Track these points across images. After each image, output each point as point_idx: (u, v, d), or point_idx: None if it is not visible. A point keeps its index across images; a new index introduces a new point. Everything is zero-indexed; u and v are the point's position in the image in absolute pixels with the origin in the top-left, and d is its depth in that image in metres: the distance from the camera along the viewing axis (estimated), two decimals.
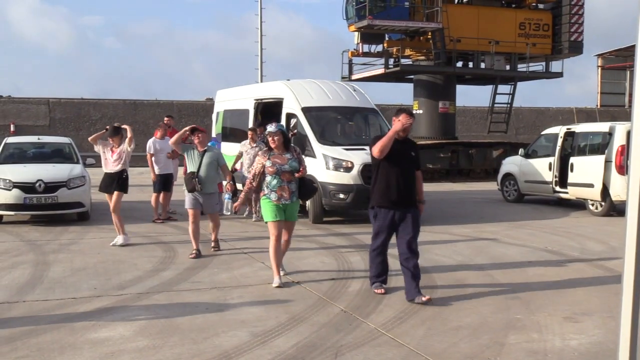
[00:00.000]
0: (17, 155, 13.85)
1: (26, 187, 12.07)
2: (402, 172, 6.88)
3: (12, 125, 29.82)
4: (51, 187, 12.13)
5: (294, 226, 8.06)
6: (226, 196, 9.18)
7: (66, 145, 14.61)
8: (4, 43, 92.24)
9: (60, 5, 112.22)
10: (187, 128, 9.54)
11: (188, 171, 9.20)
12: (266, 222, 7.63)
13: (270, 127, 7.63)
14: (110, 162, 10.29)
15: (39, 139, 15.49)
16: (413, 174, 6.98)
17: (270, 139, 7.57)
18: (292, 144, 7.92)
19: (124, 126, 10.63)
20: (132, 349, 5.38)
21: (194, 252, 9.21)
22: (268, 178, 7.53)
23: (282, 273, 7.84)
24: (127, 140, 10.24)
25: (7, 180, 12.12)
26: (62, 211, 12.33)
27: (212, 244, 9.71)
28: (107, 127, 10.73)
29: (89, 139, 10.52)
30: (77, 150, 14.50)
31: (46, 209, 12.19)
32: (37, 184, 12.01)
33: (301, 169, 7.65)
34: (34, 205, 12.09)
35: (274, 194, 7.49)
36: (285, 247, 8.00)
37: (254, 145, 12.66)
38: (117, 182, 10.27)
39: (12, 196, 12.04)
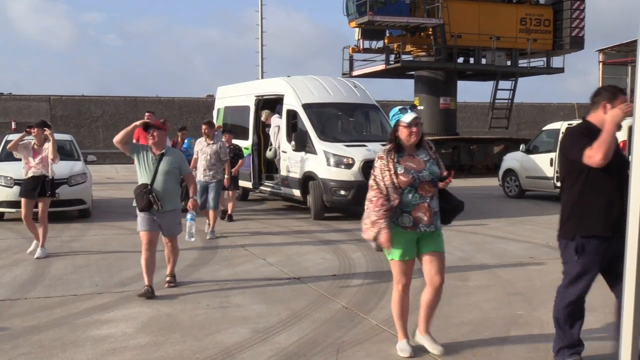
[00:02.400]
0: None
1: None
2: (620, 183, 4.36)
3: (13, 123, 29.81)
4: (55, 184, 12.09)
5: (444, 263, 5.32)
6: (188, 216, 7.22)
7: (67, 142, 14.60)
8: (5, 40, 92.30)
9: (60, 2, 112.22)
10: (137, 123, 7.11)
11: (139, 182, 6.97)
12: (390, 259, 5.21)
13: (406, 116, 4.98)
14: (33, 163, 9.25)
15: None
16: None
17: (407, 132, 4.98)
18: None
19: (47, 132, 9.33)
20: (133, 345, 5.38)
21: (145, 288, 6.82)
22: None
23: (426, 341, 5.27)
24: (50, 149, 9.19)
25: (9, 178, 12.13)
26: (64, 208, 12.32)
27: (167, 278, 7.35)
28: (27, 129, 9.80)
29: (8, 147, 9.64)
30: (78, 148, 14.50)
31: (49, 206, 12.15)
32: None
33: (448, 177, 5.23)
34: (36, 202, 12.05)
35: (407, 217, 5.01)
36: (434, 299, 5.27)
37: (211, 142, 10.90)
38: (42, 186, 9.25)
39: (13, 193, 12.01)
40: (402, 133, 5.00)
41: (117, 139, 6.88)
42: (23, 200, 9.33)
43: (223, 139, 11.80)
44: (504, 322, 6.08)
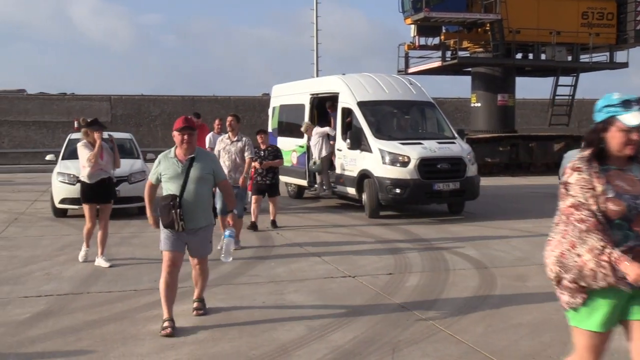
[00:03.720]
0: None
1: None
2: None
3: (75, 122, 30.67)
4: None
5: None
6: (227, 233, 6.05)
7: (127, 140, 14.92)
8: (67, 42, 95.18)
9: (120, 4, 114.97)
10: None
11: (165, 191, 5.82)
12: (577, 326, 3.61)
13: (631, 115, 3.30)
14: (102, 163, 8.52)
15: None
16: None
17: (623, 138, 3.32)
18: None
19: (110, 136, 8.84)
20: (191, 340, 5.46)
21: (166, 324, 5.64)
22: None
23: None
24: (116, 156, 8.76)
25: (71, 175, 12.47)
26: (124, 205, 12.59)
27: (195, 304, 6.29)
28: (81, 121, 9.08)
29: (92, 161, 8.43)
30: (137, 146, 14.81)
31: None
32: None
33: None
34: None
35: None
36: None
37: (235, 139, 9.61)
38: (108, 188, 8.66)
39: (76, 190, 12.30)
40: (616, 138, 3.33)
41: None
42: (88, 206, 8.52)
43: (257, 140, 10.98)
44: (565, 324, 5.85)
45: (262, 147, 11.23)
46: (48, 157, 14.68)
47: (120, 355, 5.12)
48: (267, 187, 11.27)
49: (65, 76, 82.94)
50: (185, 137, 5.69)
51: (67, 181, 12.46)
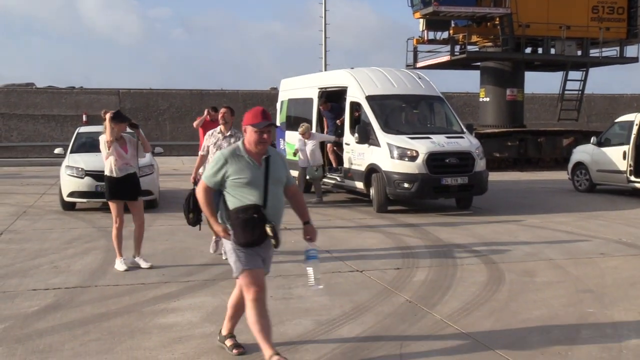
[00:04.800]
0: (89, 144, 14.20)
1: (98, 175, 12.35)
2: None
3: (84, 116, 30.75)
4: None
5: None
6: (312, 252, 4.99)
7: (135, 134, 14.94)
8: (76, 36, 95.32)
9: None
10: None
11: (235, 200, 4.63)
12: None
13: None
14: (127, 157, 8.02)
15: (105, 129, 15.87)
16: None
17: None
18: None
19: (133, 122, 8.33)
20: (199, 334, 5.47)
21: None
22: None
23: None
24: (143, 142, 8.33)
25: (80, 169, 12.51)
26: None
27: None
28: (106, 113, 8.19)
29: (108, 142, 7.88)
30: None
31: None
32: None
33: None
34: None
35: None
36: None
37: (228, 134, 8.54)
38: (135, 185, 8.13)
39: (84, 184, 12.42)
40: None
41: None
42: (116, 204, 7.98)
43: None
44: (573, 319, 5.89)
45: None
46: (57, 151, 14.72)
47: (127, 349, 5.13)
48: None
49: (74, 70, 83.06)
50: (265, 135, 4.60)
51: (75, 174, 12.49)
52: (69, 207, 12.81)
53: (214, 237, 8.41)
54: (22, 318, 5.91)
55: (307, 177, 14.13)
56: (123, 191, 7.94)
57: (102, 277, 7.47)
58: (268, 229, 4.54)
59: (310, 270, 4.93)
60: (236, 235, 4.59)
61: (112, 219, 9.14)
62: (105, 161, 7.92)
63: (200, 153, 8.54)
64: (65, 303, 6.40)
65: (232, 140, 8.42)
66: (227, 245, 4.74)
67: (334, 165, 14.79)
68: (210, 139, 8.49)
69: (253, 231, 4.56)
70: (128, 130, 8.27)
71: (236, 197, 4.60)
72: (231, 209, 4.62)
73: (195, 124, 13.28)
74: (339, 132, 14.61)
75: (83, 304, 6.39)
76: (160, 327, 5.65)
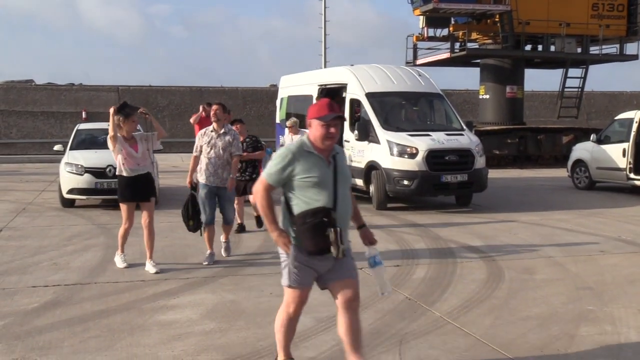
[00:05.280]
0: (89, 141, 14.24)
1: (97, 172, 12.42)
2: None
3: (83, 112, 30.73)
4: None
5: None
6: (377, 258, 4.52)
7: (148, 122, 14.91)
8: (75, 32, 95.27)
9: None
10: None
11: (310, 207, 4.10)
12: None
13: None
14: (138, 156, 7.63)
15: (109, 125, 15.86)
16: None
17: None
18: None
19: (141, 110, 7.89)
20: (199, 331, 5.47)
21: None
22: None
23: None
24: (157, 127, 7.86)
25: (79, 166, 12.51)
26: None
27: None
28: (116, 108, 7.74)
29: (110, 137, 7.60)
30: None
31: (116, 193, 12.45)
32: (108, 169, 12.32)
33: None
34: (105, 189, 12.43)
35: None
36: None
37: (222, 132, 8.13)
38: (147, 186, 7.75)
39: (83, 181, 12.42)
40: None
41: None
42: (127, 205, 7.66)
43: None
44: (573, 317, 5.89)
45: (240, 138, 9.42)
46: (56, 148, 14.71)
47: (127, 346, 5.13)
48: (247, 183, 9.83)
49: (74, 66, 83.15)
50: (332, 129, 4.13)
51: (75, 171, 12.49)
52: (68, 204, 12.81)
53: (208, 251, 8.08)
54: (21, 315, 5.91)
55: None
56: (134, 192, 7.60)
57: (101, 274, 7.47)
58: (331, 235, 4.04)
59: (378, 277, 4.45)
60: (304, 243, 4.08)
61: (111, 215, 9.16)
62: (116, 159, 7.66)
63: (194, 154, 8.15)
64: (65, 300, 6.40)
65: (227, 138, 8.04)
66: (281, 250, 4.28)
67: None
68: (203, 138, 8.08)
69: (322, 237, 4.04)
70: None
71: (303, 200, 4.09)
72: (296, 214, 4.09)
73: (192, 120, 13.31)
74: None
75: (82, 300, 6.39)
76: (159, 324, 5.65)
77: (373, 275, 4.48)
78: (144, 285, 6.95)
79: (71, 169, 12.55)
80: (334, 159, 4.22)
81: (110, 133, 7.53)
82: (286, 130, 13.71)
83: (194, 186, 8.11)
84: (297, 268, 4.17)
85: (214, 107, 8.23)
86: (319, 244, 4.05)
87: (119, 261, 7.74)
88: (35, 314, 5.95)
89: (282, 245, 4.16)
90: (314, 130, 4.15)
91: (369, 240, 4.52)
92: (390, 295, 4.94)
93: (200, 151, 8.08)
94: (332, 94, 15.05)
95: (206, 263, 7.99)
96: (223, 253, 8.36)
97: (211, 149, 8.00)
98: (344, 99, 14.15)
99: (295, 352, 4.97)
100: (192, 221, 8.03)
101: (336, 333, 5.40)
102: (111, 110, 7.61)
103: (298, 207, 4.11)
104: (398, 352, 5.00)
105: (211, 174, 7.98)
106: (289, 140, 13.54)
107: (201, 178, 8.04)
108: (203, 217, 8.04)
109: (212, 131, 8.10)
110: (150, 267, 7.57)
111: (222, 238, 8.42)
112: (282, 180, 4.14)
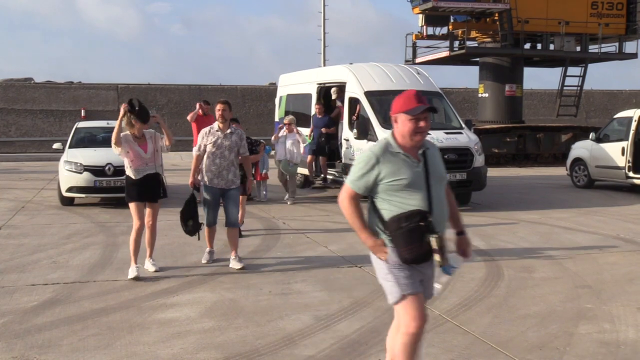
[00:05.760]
0: (88, 140, 14.24)
1: (96, 171, 12.42)
2: None
3: (82, 111, 30.73)
4: (120, 170, 12.36)
5: None
6: (452, 269, 3.85)
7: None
8: (74, 31, 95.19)
9: None
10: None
11: (404, 211, 3.72)
12: None
13: None
14: (147, 156, 7.38)
15: (108, 123, 15.82)
16: None
17: None
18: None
19: (154, 116, 7.63)
20: (198, 329, 5.47)
21: None
22: None
23: None
24: (166, 134, 7.55)
25: (78, 164, 12.50)
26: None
27: None
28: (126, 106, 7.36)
29: (114, 144, 7.29)
30: None
31: (116, 191, 12.47)
32: (107, 168, 12.32)
33: None
34: (104, 188, 12.43)
35: None
36: None
37: (228, 131, 7.85)
38: (156, 186, 7.51)
39: (83, 179, 12.41)
40: None
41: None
42: (135, 205, 7.37)
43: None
44: (572, 315, 5.90)
45: None
46: (55, 146, 14.71)
47: (126, 344, 5.13)
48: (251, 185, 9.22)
49: (73, 65, 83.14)
50: (422, 123, 3.75)
51: (74, 170, 12.48)
52: (67, 202, 12.81)
53: (207, 248, 7.97)
54: (20, 313, 5.91)
55: (282, 171, 13.53)
56: (142, 192, 7.35)
57: (100, 272, 7.47)
58: (433, 241, 3.65)
59: (439, 287, 4.00)
60: (399, 251, 3.70)
61: (110, 214, 9.16)
62: (124, 159, 7.40)
63: (196, 153, 7.83)
64: (64, 298, 6.40)
65: (234, 138, 7.72)
66: (379, 265, 3.86)
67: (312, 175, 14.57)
68: (208, 138, 7.71)
69: (421, 243, 3.66)
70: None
71: (393, 204, 3.73)
72: (388, 219, 3.74)
73: (189, 117, 13.32)
74: (322, 140, 14.16)
75: (82, 299, 6.39)
76: (159, 322, 5.65)
77: (436, 284, 3.98)
78: (143, 284, 6.95)
79: (70, 167, 12.55)
80: (424, 156, 3.81)
81: (113, 140, 7.22)
82: (284, 127, 13.69)
83: (197, 187, 7.92)
84: (403, 271, 3.74)
85: (220, 106, 7.77)
86: (416, 251, 3.67)
87: (131, 272, 7.15)
88: (35, 312, 5.95)
89: (380, 252, 3.77)
90: (401, 126, 3.76)
91: (464, 253, 3.98)
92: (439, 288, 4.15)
93: (204, 150, 7.73)
94: (328, 93, 15.11)
95: (205, 261, 7.91)
96: (236, 266, 7.64)
97: (216, 149, 7.64)
98: (334, 100, 14.26)
99: (294, 351, 4.99)
100: (192, 221, 7.83)
101: (335, 331, 5.42)
102: (122, 109, 7.30)
103: (389, 212, 3.74)
104: None
105: (215, 175, 7.66)
106: (282, 136, 13.42)
107: (205, 179, 7.74)
108: (204, 219, 7.83)
109: (217, 130, 7.72)
110: (149, 266, 7.51)
111: (232, 255, 7.77)
112: (368, 187, 3.79)
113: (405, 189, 3.70)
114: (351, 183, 3.83)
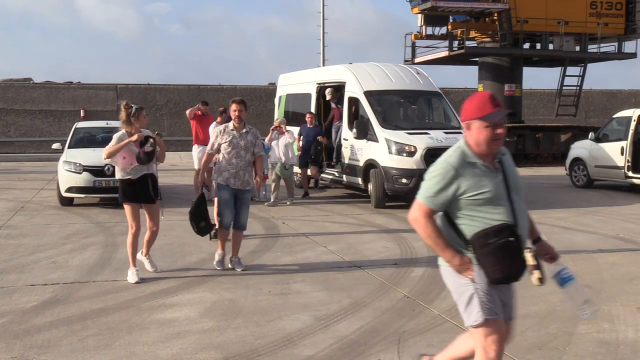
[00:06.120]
0: (87, 140, 14.25)
1: (95, 171, 12.41)
2: None
3: (82, 111, 30.72)
4: None
5: None
6: (567, 274, 3.68)
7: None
8: (73, 31, 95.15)
9: None
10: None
11: (489, 225, 3.42)
12: None
13: None
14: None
15: (107, 123, 15.84)
16: None
17: None
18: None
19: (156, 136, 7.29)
20: (197, 330, 5.47)
21: None
22: None
23: None
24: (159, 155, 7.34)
25: (78, 164, 12.50)
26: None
27: None
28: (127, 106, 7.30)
29: (109, 154, 7.15)
30: None
31: (115, 191, 12.19)
32: (106, 168, 12.30)
33: None
34: (103, 188, 12.43)
35: None
36: None
37: (244, 130, 7.60)
38: (151, 187, 7.28)
39: (82, 179, 12.41)
40: None
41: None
42: (130, 207, 7.21)
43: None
44: (571, 315, 5.88)
45: None
46: (54, 146, 14.71)
47: (125, 344, 5.13)
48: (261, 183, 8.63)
49: (72, 65, 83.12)
50: (500, 130, 3.43)
51: (73, 170, 12.48)
52: (66, 202, 12.81)
53: (219, 251, 7.72)
54: (20, 313, 5.91)
55: (278, 174, 13.24)
56: (138, 193, 7.17)
57: (100, 273, 7.46)
58: (529, 257, 3.39)
59: (573, 295, 3.65)
60: (487, 270, 3.38)
61: (109, 214, 9.15)
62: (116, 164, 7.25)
63: (208, 151, 7.65)
64: (64, 298, 6.40)
65: (249, 137, 7.55)
66: (457, 284, 3.52)
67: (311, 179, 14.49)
68: (223, 137, 7.47)
69: (512, 261, 3.37)
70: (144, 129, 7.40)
71: (475, 219, 3.41)
72: (471, 236, 3.42)
73: (187, 112, 13.38)
74: (318, 149, 14.03)
75: (81, 299, 6.39)
76: (158, 323, 5.65)
77: (566, 295, 3.68)
78: (143, 284, 6.94)
79: (69, 168, 12.54)
80: (501, 164, 3.52)
81: (108, 155, 7.07)
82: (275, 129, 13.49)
83: (207, 186, 7.72)
84: (487, 293, 3.42)
85: (236, 106, 7.52)
86: (508, 269, 3.37)
87: (131, 277, 7.05)
88: (34, 312, 5.94)
89: (467, 272, 3.43)
90: (476, 133, 3.43)
91: (551, 255, 3.70)
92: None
93: (218, 149, 7.55)
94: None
95: (220, 268, 7.57)
96: (237, 268, 7.57)
97: (232, 148, 7.46)
98: (328, 101, 14.31)
99: (293, 351, 4.99)
100: (204, 222, 7.54)
101: (334, 331, 5.42)
102: (127, 110, 7.16)
103: (470, 228, 3.43)
104: (396, 350, 5.01)
105: (232, 175, 7.45)
106: (274, 138, 13.23)
107: (220, 179, 7.50)
108: (220, 221, 7.60)
109: (232, 129, 7.52)
110: (146, 264, 7.41)
111: (233, 257, 7.67)
112: (446, 203, 3.44)
113: (487, 203, 3.39)
114: (426, 200, 3.47)
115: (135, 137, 7.01)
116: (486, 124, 3.38)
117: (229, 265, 7.62)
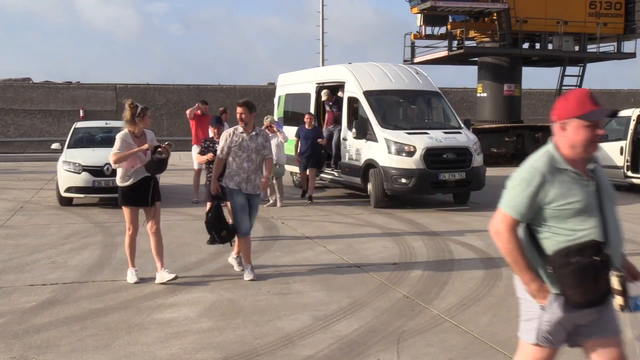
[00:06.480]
0: (86, 140, 14.24)
1: (95, 171, 12.40)
2: None
3: (81, 111, 30.70)
4: None
5: None
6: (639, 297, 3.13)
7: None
8: (72, 30, 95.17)
9: None
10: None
11: (572, 242, 3.04)
12: None
13: None
14: (146, 158, 7.00)
15: (106, 123, 15.83)
16: None
17: None
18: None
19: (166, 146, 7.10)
20: (196, 329, 5.47)
21: None
22: None
23: None
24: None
25: (77, 164, 12.49)
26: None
27: None
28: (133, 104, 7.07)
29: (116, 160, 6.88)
30: None
31: (114, 191, 12.25)
32: (105, 168, 12.29)
33: None
34: (102, 188, 12.42)
35: None
36: None
37: (253, 132, 7.35)
38: (153, 189, 7.13)
39: (81, 179, 12.40)
40: None
41: None
42: (130, 209, 7.08)
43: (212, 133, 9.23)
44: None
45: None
46: (54, 146, 14.69)
47: (125, 344, 5.12)
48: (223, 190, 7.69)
49: (71, 65, 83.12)
50: (600, 132, 3.13)
51: (72, 170, 12.47)
52: (66, 202, 12.80)
53: (233, 253, 7.63)
54: (19, 313, 5.90)
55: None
56: (140, 196, 7.00)
57: (99, 273, 7.46)
58: (615, 280, 2.96)
59: (637, 325, 3.43)
60: (568, 292, 3.01)
61: (109, 214, 9.15)
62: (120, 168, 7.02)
63: (219, 155, 7.30)
64: (63, 298, 6.40)
65: (259, 140, 7.30)
66: (527, 301, 3.18)
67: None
68: (232, 139, 7.20)
69: (596, 284, 2.97)
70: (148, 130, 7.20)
71: (560, 232, 3.06)
72: (552, 252, 3.06)
73: (187, 112, 13.39)
74: (318, 151, 13.79)
75: (80, 299, 6.38)
76: (157, 323, 5.64)
77: (630, 321, 3.40)
78: (142, 284, 6.94)
79: (69, 168, 12.53)
80: (594, 172, 3.15)
81: (117, 160, 6.85)
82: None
83: (220, 195, 7.48)
84: (550, 325, 3.08)
85: (239, 109, 7.26)
86: (591, 293, 2.98)
87: (130, 277, 6.99)
88: (33, 312, 5.94)
89: (541, 299, 3.08)
90: (573, 134, 3.08)
91: (633, 274, 3.27)
92: None
93: (227, 153, 7.24)
94: (331, 91, 15.12)
95: (239, 269, 7.43)
96: (237, 268, 7.54)
97: (242, 151, 7.19)
98: (324, 102, 14.31)
99: (292, 351, 4.99)
100: (225, 230, 7.36)
101: (334, 331, 5.41)
102: (132, 109, 6.93)
103: (552, 242, 3.07)
104: (396, 350, 5.01)
105: (243, 179, 7.20)
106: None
107: (232, 184, 7.21)
108: (236, 227, 7.30)
109: (241, 132, 7.24)
110: (165, 275, 6.97)
111: (234, 253, 7.65)
112: (533, 212, 3.11)
113: (576, 215, 3.03)
114: (511, 209, 3.16)
115: (146, 147, 6.88)
116: (586, 124, 3.05)
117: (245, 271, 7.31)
